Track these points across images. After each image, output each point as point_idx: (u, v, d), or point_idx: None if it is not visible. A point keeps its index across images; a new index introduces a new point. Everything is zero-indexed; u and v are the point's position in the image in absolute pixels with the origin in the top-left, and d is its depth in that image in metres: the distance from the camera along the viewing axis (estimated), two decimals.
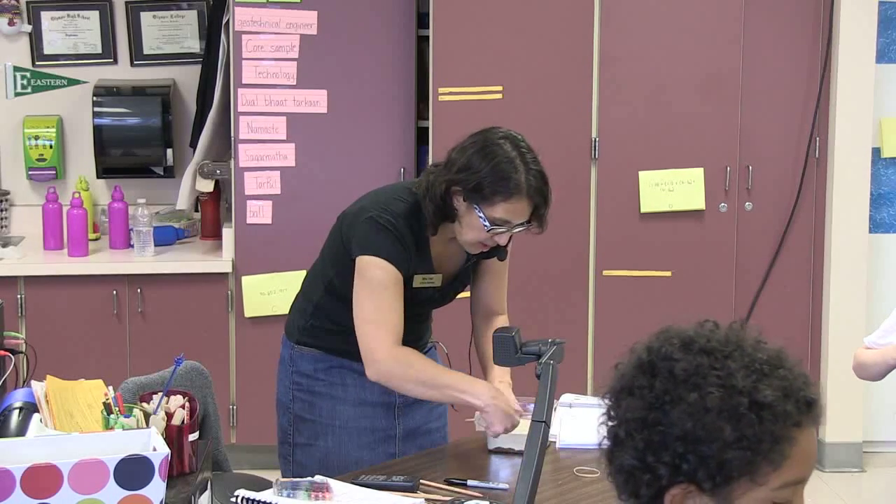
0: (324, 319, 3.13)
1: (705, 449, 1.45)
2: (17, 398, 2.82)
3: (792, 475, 1.48)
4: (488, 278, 3.19)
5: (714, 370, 1.48)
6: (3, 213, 5.32)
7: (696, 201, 4.98)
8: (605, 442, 1.56)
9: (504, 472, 2.99)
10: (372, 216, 2.97)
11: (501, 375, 3.10)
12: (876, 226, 5.20)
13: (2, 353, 3.08)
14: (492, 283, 3.20)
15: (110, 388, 2.93)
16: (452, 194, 2.91)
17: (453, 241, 3.05)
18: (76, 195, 5.11)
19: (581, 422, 3.25)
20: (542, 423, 2.57)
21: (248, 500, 2.65)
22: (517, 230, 2.93)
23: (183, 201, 5.18)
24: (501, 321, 3.20)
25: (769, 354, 1.52)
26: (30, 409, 2.77)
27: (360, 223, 2.98)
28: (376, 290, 2.95)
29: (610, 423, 1.55)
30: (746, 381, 1.47)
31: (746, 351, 1.51)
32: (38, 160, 5.33)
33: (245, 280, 5.00)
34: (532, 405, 2.70)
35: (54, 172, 5.35)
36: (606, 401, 1.57)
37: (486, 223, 2.88)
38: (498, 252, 3.05)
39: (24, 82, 5.39)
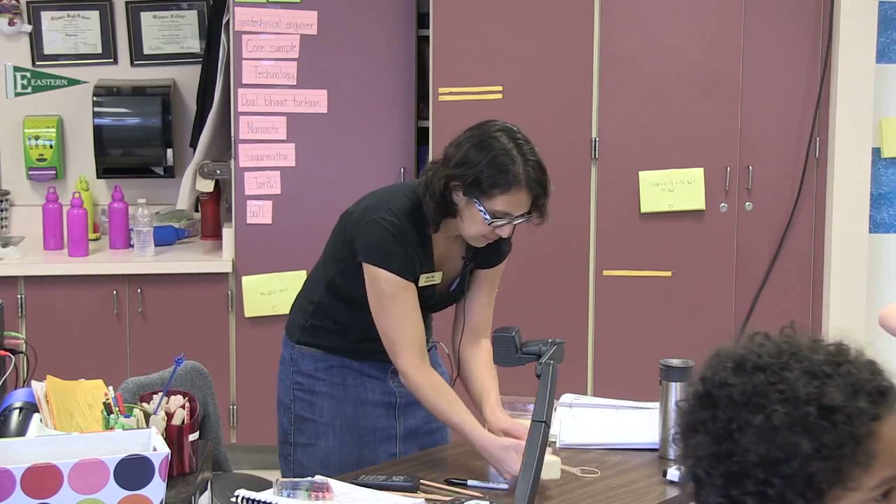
0: (325, 319, 3.13)
1: (786, 468, 1.39)
2: (18, 398, 2.82)
3: (888, 471, 1.41)
4: (480, 288, 3.15)
5: (773, 385, 1.42)
6: (3, 213, 5.32)
7: (696, 201, 4.98)
8: (689, 485, 1.49)
9: None
10: (376, 218, 2.96)
11: (495, 406, 3.05)
12: (876, 226, 5.20)
13: (2, 353, 3.09)
14: (482, 297, 3.15)
15: (110, 388, 2.94)
16: (451, 189, 2.91)
17: (454, 243, 3.05)
18: (76, 195, 5.11)
19: (581, 422, 3.24)
20: (542, 423, 2.57)
21: (248, 500, 2.65)
22: (518, 222, 2.91)
23: (183, 201, 5.18)
24: (485, 345, 3.13)
25: (828, 352, 1.45)
26: (30, 409, 2.78)
27: (365, 225, 2.97)
28: (386, 303, 2.97)
29: (689, 464, 1.48)
30: (809, 388, 1.40)
31: (803, 356, 1.44)
32: (38, 160, 5.33)
33: (245, 280, 5.00)
34: (532, 405, 2.70)
35: (54, 172, 5.35)
36: (679, 443, 1.50)
37: (487, 216, 2.87)
38: (501, 245, 3.06)
39: (25, 82, 5.39)
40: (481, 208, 2.87)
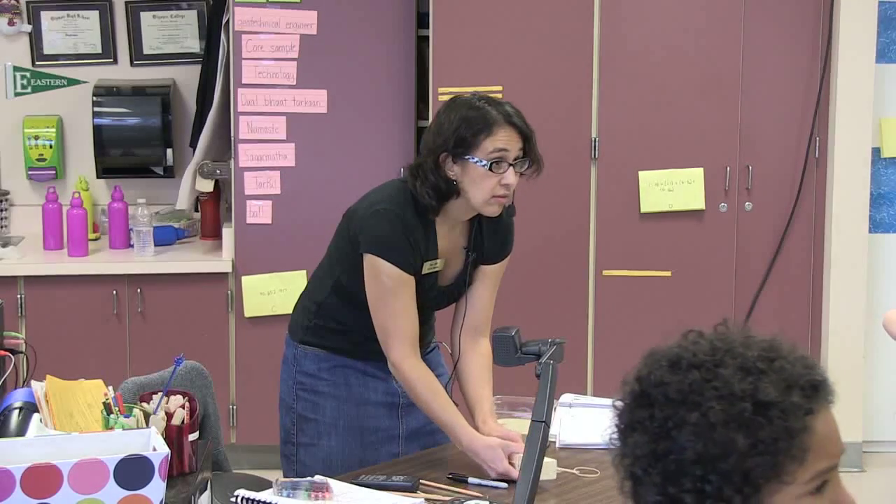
0: (328, 319, 3.13)
1: (724, 465, 1.40)
2: (17, 398, 2.82)
3: (821, 464, 1.42)
4: (482, 284, 3.14)
5: (708, 383, 1.42)
6: (3, 213, 5.32)
7: (696, 201, 4.98)
8: (626, 483, 1.49)
9: None
10: (379, 210, 2.97)
11: (488, 415, 3.06)
12: (876, 226, 5.20)
13: (2, 353, 3.08)
14: (484, 294, 3.14)
15: (110, 388, 2.94)
16: (442, 165, 2.92)
17: (457, 234, 3.05)
18: (76, 195, 5.11)
19: (581, 422, 3.25)
20: (541, 423, 2.57)
21: (247, 500, 2.65)
22: (518, 166, 2.91)
23: (183, 201, 5.18)
24: (484, 345, 3.13)
25: (762, 348, 1.45)
26: (30, 409, 2.77)
27: (369, 217, 2.98)
28: (385, 296, 2.98)
29: (626, 462, 1.49)
30: (744, 385, 1.41)
31: (737, 352, 1.45)
32: (37, 160, 5.33)
33: (245, 280, 5.00)
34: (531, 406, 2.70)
35: (54, 172, 5.35)
36: (616, 441, 1.51)
37: (484, 162, 2.89)
38: (505, 239, 3.08)
39: (24, 82, 5.39)
40: (475, 160, 2.89)
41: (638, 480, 1.47)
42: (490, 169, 2.89)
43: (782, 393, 1.41)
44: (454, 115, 2.92)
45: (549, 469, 2.89)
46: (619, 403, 1.51)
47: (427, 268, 3.02)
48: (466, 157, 2.90)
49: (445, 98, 4.81)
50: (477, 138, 2.89)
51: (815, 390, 1.44)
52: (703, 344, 1.48)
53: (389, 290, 2.97)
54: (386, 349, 3.02)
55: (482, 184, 2.91)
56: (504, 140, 2.90)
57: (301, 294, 3.27)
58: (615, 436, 1.51)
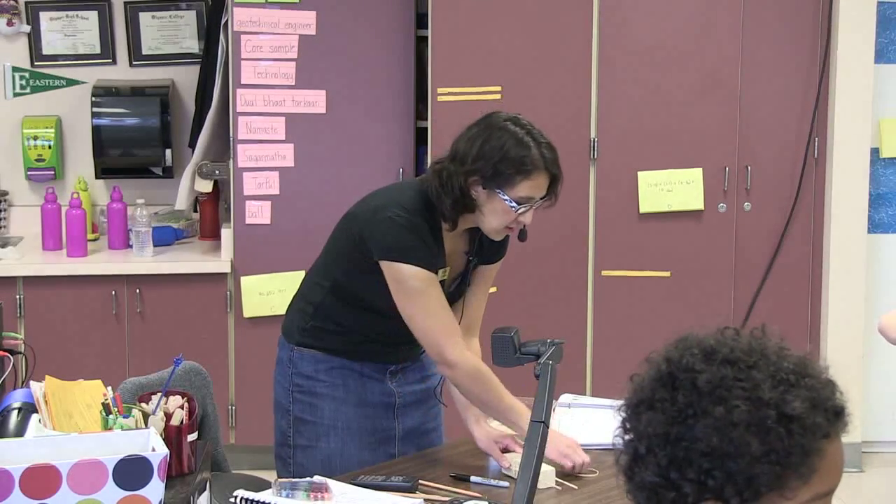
0: (326, 320, 3.12)
1: (732, 464, 1.40)
2: (16, 399, 2.82)
3: (822, 487, 1.43)
4: (479, 284, 3.15)
5: (739, 382, 1.42)
6: (2, 213, 5.32)
7: (695, 201, 4.98)
8: (623, 457, 1.49)
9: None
10: (390, 216, 2.94)
11: (480, 415, 3.07)
12: (875, 226, 5.20)
13: (1, 353, 3.08)
14: (479, 293, 3.15)
15: (109, 388, 2.93)
16: (470, 186, 2.91)
17: (459, 239, 3.04)
18: (75, 195, 5.11)
19: (580, 422, 3.25)
20: (541, 423, 2.57)
21: (246, 500, 2.65)
22: (538, 205, 2.94)
23: (182, 202, 5.18)
24: (475, 345, 3.14)
25: (794, 362, 1.46)
26: (29, 409, 2.77)
27: (379, 223, 2.95)
28: (417, 298, 2.94)
29: (628, 438, 1.49)
30: (773, 393, 1.41)
31: (771, 360, 1.45)
32: (36, 160, 5.33)
33: (244, 280, 5.00)
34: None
35: (53, 173, 5.35)
36: (623, 414, 1.50)
37: (514, 204, 2.89)
38: (521, 235, 3.07)
39: (23, 82, 5.39)
40: (505, 197, 2.89)
41: (639, 457, 1.47)
42: (516, 210, 2.90)
43: (807, 410, 1.42)
44: (497, 148, 2.89)
45: (548, 478, 2.88)
46: (638, 377, 1.51)
47: (439, 275, 3.02)
48: (497, 190, 2.89)
49: (445, 99, 4.88)
50: (514, 178, 2.88)
51: (837, 416, 1.45)
52: (742, 343, 1.48)
53: (419, 292, 2.93)
54: (438, 352, 2.96)
55: (501, 216, 2.92)
56: (537, 186, 2.91)
57: (294, 296, 3.24)
58: (625, 408, 1.51)
